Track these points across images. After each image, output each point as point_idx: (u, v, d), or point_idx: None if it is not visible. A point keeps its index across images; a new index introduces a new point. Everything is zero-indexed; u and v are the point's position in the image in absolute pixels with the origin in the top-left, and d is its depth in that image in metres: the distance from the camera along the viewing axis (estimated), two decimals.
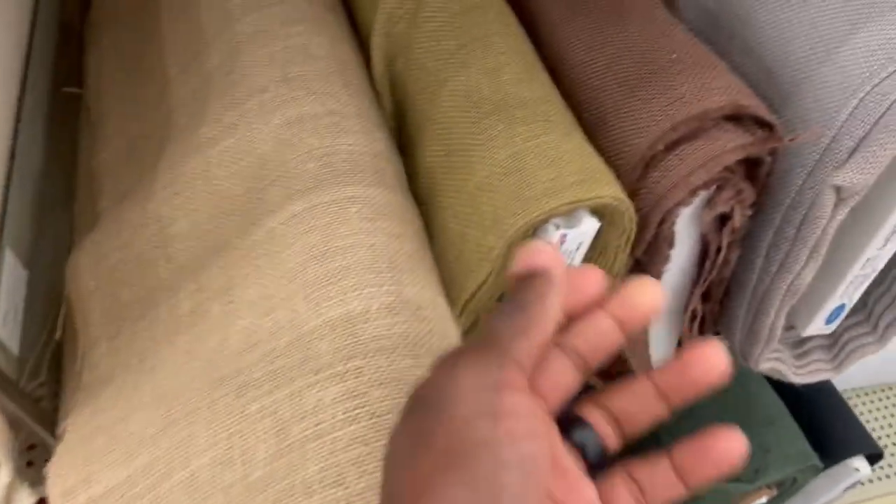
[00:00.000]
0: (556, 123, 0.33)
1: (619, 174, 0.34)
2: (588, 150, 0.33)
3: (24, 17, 0.48)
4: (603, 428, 0.24)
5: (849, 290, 0.41)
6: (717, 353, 0.23)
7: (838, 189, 0.34)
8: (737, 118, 0.33)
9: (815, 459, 0.61)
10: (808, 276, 0.37)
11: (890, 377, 0.82)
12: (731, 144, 0.32)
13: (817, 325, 0.43)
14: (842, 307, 0.42)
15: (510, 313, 0.23)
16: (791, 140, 0.33)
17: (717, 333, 0.41)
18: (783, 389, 0.66)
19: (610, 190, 0.31)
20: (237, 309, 0.30)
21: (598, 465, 0.24)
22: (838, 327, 0.45)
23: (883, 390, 0.85)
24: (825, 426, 0.64)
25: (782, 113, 0.36)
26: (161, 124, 0.41)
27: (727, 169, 0.33)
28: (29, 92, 0.45)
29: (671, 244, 0.35)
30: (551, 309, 0.22)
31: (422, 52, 0.38)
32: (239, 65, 0.40)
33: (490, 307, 0.35)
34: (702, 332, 0.40)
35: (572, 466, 0.23)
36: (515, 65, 0.36)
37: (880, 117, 0.32)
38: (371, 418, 0.27)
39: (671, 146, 0.32)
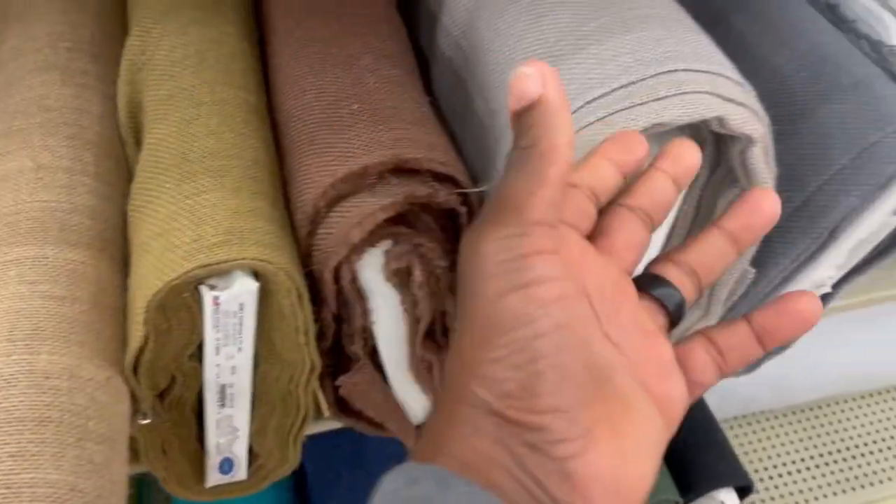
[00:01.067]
0: (227, 180, 0.32)
1: (296, 231, 0.33)
2: (251, 208, 0.32)
3: None
4: (680, 281, 0.26)
5: None
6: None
7: None
8: (416, 171, 0.32)
9: (671, 493, 0.58)
10: None
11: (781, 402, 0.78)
12: (387, 201, 0.30)
13: None
14: None
15: (519, 166, 0.23)
16: (453, 193, 0.32)
17: None
18: None
19: (253, 251, 0.30)
20: None
21: (678, 316, 0.26)
22: None
23: (776, 417, 0.82)
24: (694, 459, 0.62)
25: (496, 156, 0.35)
26: None
27: (403, 223, 0.32)
28: None
29: (362, 299, 0.34)
30: (560, 140, 0.23)
31: (147, 102, 0.38)
32: None
33: (183, 367, 0.34)
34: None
35: (649, 324, 0.25)
36: (212, 116, 0.35)
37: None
38: None
39: (333, 203, 0.31)
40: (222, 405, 0.36)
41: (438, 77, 0.43)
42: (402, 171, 0.32)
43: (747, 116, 0.31)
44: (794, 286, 0.39)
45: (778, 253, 0.38)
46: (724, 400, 0.72)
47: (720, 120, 0.30)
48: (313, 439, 0.43)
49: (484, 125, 0.37)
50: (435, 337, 0.37)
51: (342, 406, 0.40)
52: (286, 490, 0.59)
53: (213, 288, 0.31)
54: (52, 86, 0.40)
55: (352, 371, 0.37)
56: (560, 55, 0.33)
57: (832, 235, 0.37)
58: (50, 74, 0.41)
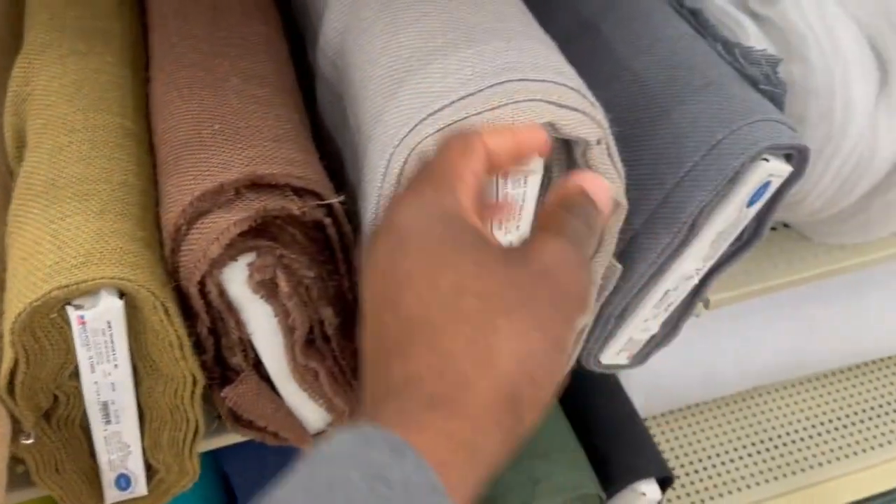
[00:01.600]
0: (93, 203, 0.34)
1: (163, 248, 0.34)
2: (115, 229, 0.33)
3: None
4: None
5: None
6: None
7: None
8: (275, 186, 0.33)
9: (590, 488, 0.60)
10: None
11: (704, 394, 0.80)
12: (240, 215, 0.32)
13: None
14: None
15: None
16: (313, 205, 0.33)
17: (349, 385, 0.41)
18: (580, 417, 0.66)
19: (113, 271, 0.31)
20: None
21: None
22: None
23: (704, 410, 0.84)
24: (614, 452, 0.64)
25: (364, 166, 0.37)
26: None
27: (265, 236, 0.34)
28: None
29: (233, 311, 0.35)
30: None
31: (27, 131, 0.39)
32: None
33: (64, 386, 0.35)
34: (336, 384, 0.40)
35: None
36: (84, 142, 0.36)
37: (399, 174, 0.33)
38: None
39: (193, 220, 0.33)
40: (108, 422, 0.37)
41: (321, 93, 0.45)
42: (259, 186, 0.33)
43: (581, 120, 0.32)
44: (663, 279, 0.41)
45: (644, 248, 0.40)
46: (651, 397, 0.74)
47: (552, 125, 0.32)
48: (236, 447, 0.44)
49: (355, 138, 0.39)
50: (316, 345, 0.39)
51: (237, 417, 0.41)
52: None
53: (78, 308, 0.32)
54: None
55: (235, 382, 0.38)
56: (410, 70, 0.35)
57: (692, 229, 0.39)
58: None
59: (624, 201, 0.35)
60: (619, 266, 0.39)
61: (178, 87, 0.37)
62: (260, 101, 0.37)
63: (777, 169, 0.37)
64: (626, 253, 0.40)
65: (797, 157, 0.38)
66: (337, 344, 0.39)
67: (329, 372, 0.40)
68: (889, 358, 0.89)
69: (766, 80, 0.40)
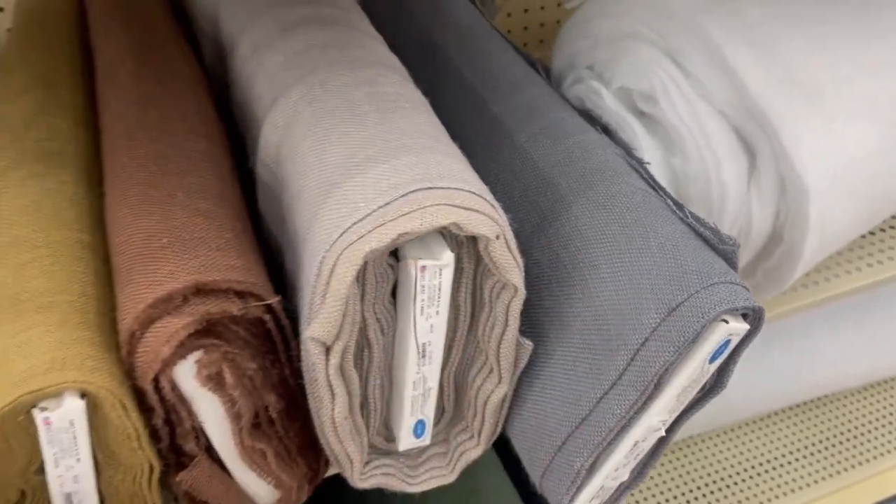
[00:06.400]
0: (54, 314, 0.38)
1: (120, 350, 0.38)
2: (76, 337, 0.37)
3: None
4: None
5: (416, 408, 0.45)
6: None
7: (317, 339, 0.39)
8: (213, 290, 0.38)
9: None
10: (339, 410, 0.41)
11: None
12: (187, 319, 0.36)
13: (408, 440, 0.47)
14: (421, 422, 0.47)
15: None
16: (243, 310, 0.38)
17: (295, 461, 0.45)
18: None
19: (75, 375, 0.35)
20: None
21: None
22: (447, 435, 0.49)
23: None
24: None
25: (300, 266, 0.42)
26: None
27: (211, 335, 0.38)
28: None
29: (185, 403, 0.39)
30: None
31: None
32: None
33: (30, 481, 0.39)
34: (282, 462, 0.44)
35: None
36: (45, 257, 0.41)
37: (330, 275, 0.37)
38: None
39: (146, 325, 0.37)
40: None
41: (261, 197, 0.50)
42: (204, 292, 0.38)
43: (481, 219, 0.38)
44: (632, 432, 0.43)
45: (614, 404, 0.42)
46: None
47: (457, 224, 0.37)
48: None
49: (293, 239, 0.44)
50: (262, 428, 0.43)
51: (193, 499, 0.45)
52: None
53: (44, 410, 0.36)
54: None
55: (189, 467, 0.42)
56: (336, 183, 0.40)
57: (658, 386, 0.41)
58: None
59: (522, 288, 0.40)
60: (530, 344, 0.44)
61: (129, 204, 0.42)
62: (204, 214, 0.42)
63: (736, 329, 0.40)
64: (599, 412, 0.42)
65: (753, 315, 0.40)
66: (281, 426, 0.43)
67: (276, 452, 0.44)
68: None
69: (718, 240, 0.42)
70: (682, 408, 0.44)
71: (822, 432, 0.91)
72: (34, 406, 0.36)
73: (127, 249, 0.40)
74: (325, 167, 0.42)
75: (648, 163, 0.49)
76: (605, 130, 0.52)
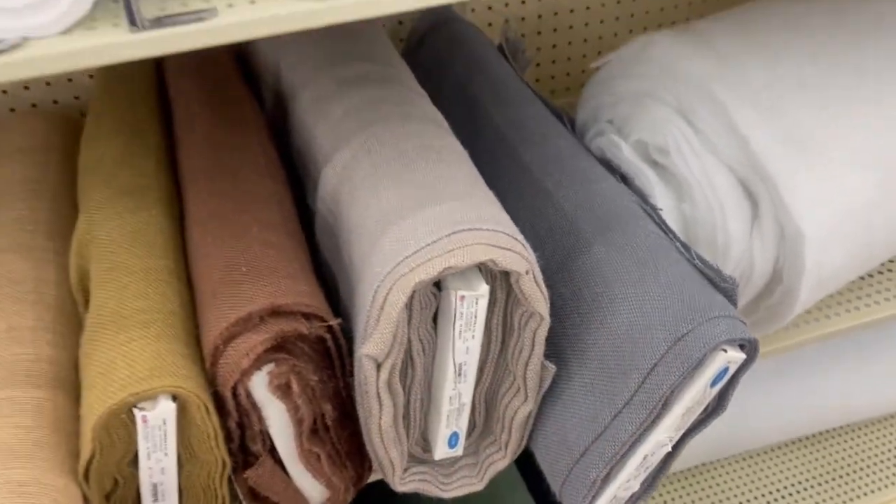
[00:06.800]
0: (151, 329, 0.45)
1: (204, 362, 0.45)
2: (170, 349, 0.44)
3: None
4: None
5: (452, 422, 0.52)
6: None
7: (371, 356, 0.45)
8: (285, 312, 0.45)
9: None
10: (386, 419, 0.48)
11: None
12: (263, 336, 0.43)
13: (444, 450, 0.53)
14: (456, 434, 0.53)
15: None
16: (311, 329, 0.44)
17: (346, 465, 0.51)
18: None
19: (172, 381, 0.42)
20: None
21: None
22: (476, 447, 0.55)
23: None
24: None
25: (356, 297, 0.48)
26: None
27: (282, 350, 0.45)
28: None
29: (256, 408, 0.46)
30: None
31: (93, 272, 0.50)
32: None
33: (123, 471, 0.45)
34: (333, 465, 0.50)
35: None
36: (140, 281, 0.48)
37: (384, 301, 0.44)
38: None
39: (229, 340, 0.44)
40: (155, 500, 0.47)
41: (319, 230, 0.57)
42: (278, 313, 0.45)
43: (513, 257, 0.44)
44: (642, 446, 0.49)
45: (627, 421, 0.47)
46: None
47: (493, 261, 0.44)
48: None
49: (348, 269, 0.51)
50: (319, 434, 0.49)
51: (255, 495, 0.51)
52: None
53: (142, 409, 0.42)
54: (17, 262, 0.53)
55: (255, 466, 0.48)
56: (390, 222, 0.47)
57: (665, 406, 0.47)
58: (15, 253, 0.54)
59: (548, 317, 0.46)
60: (553, 367, 0.50)
61: (212, 236, 0.49)
62: (275, 246, 0.49)
63: (734, 357, 0.45)
64: (613, 427, 0.48)
65: (749, 346, 0.46)
66: (335, 432, 0.50)
67: (328, 455, 0.50)
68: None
69: (720, 279, 0.48)
70: (686, 426, 0.50)
71: (824, 465, 0.95)
72: (135, 406, 0.43)
73: (210, 275, 0.47)
74: (380, 208, 0.48)
75: (661, 209, 0.55)
76: (623, 179, 0.58)
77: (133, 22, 0.35)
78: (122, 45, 0.35)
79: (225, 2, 0.37)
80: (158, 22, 0.35)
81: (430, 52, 0.76)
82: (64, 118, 0.68)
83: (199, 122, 0.60)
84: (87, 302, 0.52)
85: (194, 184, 0.55)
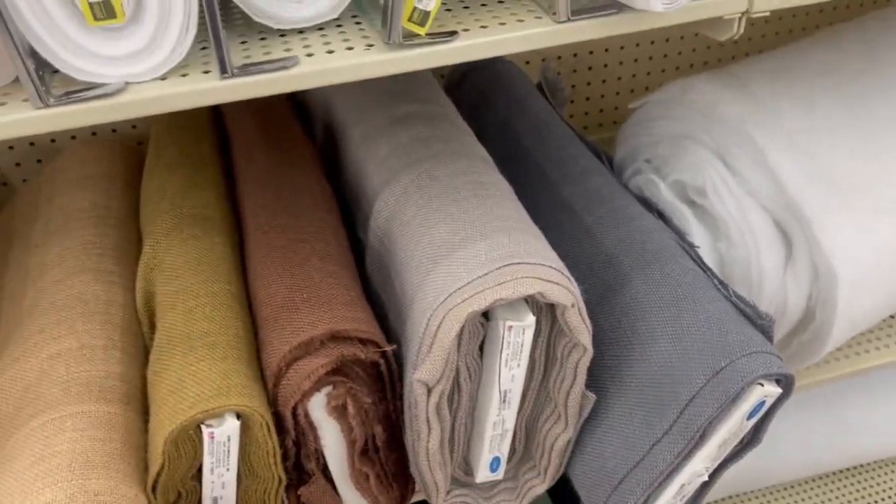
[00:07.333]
0: (217, 350, 0.47)
1: (265, 382, 0.48)
2: (235, 369, 0.47)
3: None
4: None
5: (495, 446, 0.54)
6: None
7: (423, 381, 0.47)
8: (343, 337, 0.48)
9: None
10: (433, 443, 0.50)
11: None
12: (324, 360, 0.46)
13: (485, 474, 0.55)
14: (497, 459, 0.55)
15: None
16: (374, 351, 0.47)
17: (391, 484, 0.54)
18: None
19: (238, 400, 0.45)
20: None
21: None
22: (516, 472, 0.58)
23: None
24: None
25: (407, 324, 0.51)
26: None
27: (339, 374, 0.47)
28: None
29: (313, 428, 0.48)
30: None
31: (159, 294, 0.53)
32: (37, 308, 0.55)
33: (187, 485, 0.48)
34: (381, 485, 0.53)
35: None
36: (206, 305, 0.51)
37: (437, 329, 0.47)
38: None
39: (291, 363, 0.47)
40: None
41: (370, 261, 0.59)
42: (337, 338, 0.47)
43: (560, 291, 0.47)
44: (679, 476, 0.51)
45: (665, 451, 0.49)
46: None
47: (541, 294, 0.46)
48: None
49: (398, 297, 0.53)
50: (369, 454, 0.52)
51: None
52: None
53: (209, 426, 0.45)
54: (87, 284, 0.56)
55: (308, 483, 0.51)
56: (442, 255, 0.50)
57: (702, 437, 0.49)
58: (85, 275, 0.57)
59: (591, 348, 0.49)
60: (593, 396, 0.53)
61: (273, 264, 0.52)
62: (332, 275, 0.52)
63: (770, 392, 0.47)
64: (650, 456, 0.50)
65: (784, 381, 0.48)
66: (384, 454, 0.52)
67: (377, 475, 0.53)
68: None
69: (757, 316, 0.50)
70: (723, 457, 0.51)
71: (854, 500, 0.96)
72: (202, 423, 0.45)
73: (272, 301, 0.50)
74: (431, 241, 0.51)
75: (698, 246, 0.57)
76: (661, 217, 0.61)
77: (224, 70, 0.38)
78: (214, 90, 0.38)
79: (304, 50, 0.41)
80: (246, 70, 0.39)
81: (471, 88, 0.79)
82: (124, 147, 0.72)
83: (258, 158, 0.63)
84: (150, 323, 0.55)
85: (255, 217, 0.58)
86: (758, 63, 0.67)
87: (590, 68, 0.99)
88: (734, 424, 0.48)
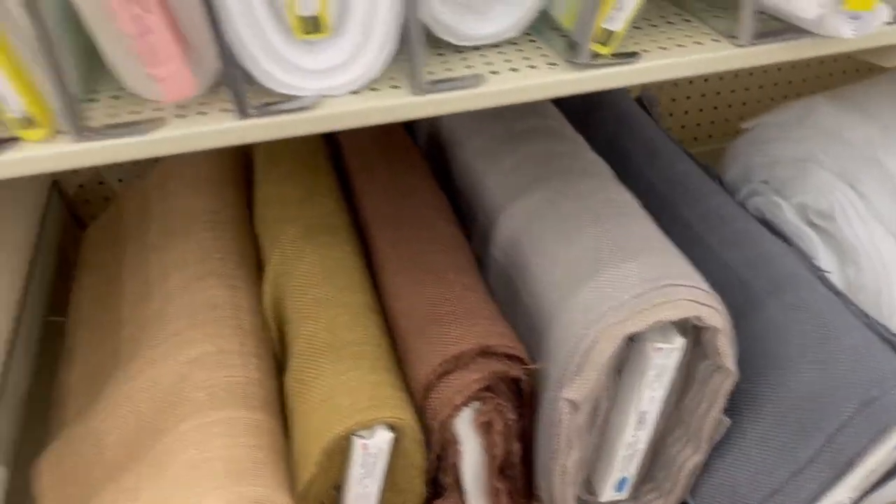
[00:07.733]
0: (365, 361, 0.47)
1: (413, 396, 0.48)
2: (384, 381, 0.47)
3: (25, 252, 0.65)
4: None
5: (624, 466, 0.54)
6: None
7: (571, 400, 0.47)
8: (492, 353, 0.47)
9: None
10: (572, 461, 0.50)
11: None
12: (476, 375, 0.46)
13: (610, 493, 0.55)
14: (625, 479, 0.55)
15: None
16: (522, 368, 0.47)
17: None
18: None
19: (392, 412, 0.45)
20: None
21: None
22: (638, 493, 0.57)
23: None
24: None
25: (546, 341, 0.51)
26: (111, 356, 0.56)
27: (487, 389, 0.47)
28: (25, 317, 0.61)
29: (456, 443, 0.48)
30: None
31: (291, 303, 0.54)
32: (166, 312, 0.55)
33: (329, 494, 0.48)
34: (512, 500, 0.53)
35: None
36: (346, 315, 0.51)
37: (590, 349, 0.46)
38: None
39: (441, 376, 0.46)
40: None
41: (494, 274, 0.59)
42: (485, 353, 0.47)
43: (715, 315, 0.47)
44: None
45: (809, 480, 0.49)
46: None
47: (698, 317, 0.46)
48: None
49: (530, 312, 0.53)
50: (505, 470, 0.51)
51: None
52: None
53: (362, 437, 0.45)
54: (214, 289, 0.56)
55: (443, 497, 0.51)
56: (586, 274, 0.49)
57: (849, 466, 0.48)
58: (210, 279, 0.57)
59: (735, 370, 0.48)
60: (728, 420, 0.52)
61: (410, 276, 0.52)
62: (470, 288, 0.52)
63: None
64: (790, 483, 0.50)
65: None
66: (519, 470, 0.52)
67: (508, 492, 0.52)
68: None
69: None
70: (867, 487, 0.51)
71: None
72: (355, 434, 0.45)
73: (415, 313, 0.50)
74: (570, 259, 0.51)
75: (829, 272, 0.57)
76: (785, 240, 0.60)
77: (416, 86, 0.38)
78: (406, 105, 0.38)
79: (486, 68, 0.41)
80: (435, 86, 0.39)
81: (574, 104, 0.79)
82: (234, 153, 0.72)
83: (376, 167, 0.63)
84: (279, 330, 0.56)
85: (381, 229, 0.58)
86: (876, 86, 0.67)
87: (675, 84, 0.99)
88: (884, 455, 0.48)
